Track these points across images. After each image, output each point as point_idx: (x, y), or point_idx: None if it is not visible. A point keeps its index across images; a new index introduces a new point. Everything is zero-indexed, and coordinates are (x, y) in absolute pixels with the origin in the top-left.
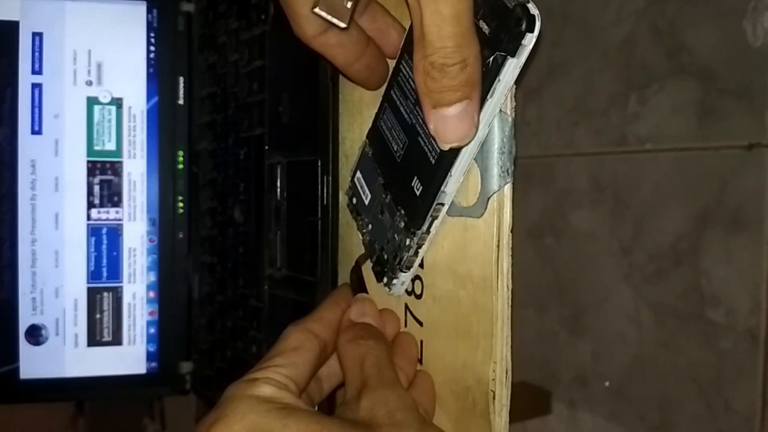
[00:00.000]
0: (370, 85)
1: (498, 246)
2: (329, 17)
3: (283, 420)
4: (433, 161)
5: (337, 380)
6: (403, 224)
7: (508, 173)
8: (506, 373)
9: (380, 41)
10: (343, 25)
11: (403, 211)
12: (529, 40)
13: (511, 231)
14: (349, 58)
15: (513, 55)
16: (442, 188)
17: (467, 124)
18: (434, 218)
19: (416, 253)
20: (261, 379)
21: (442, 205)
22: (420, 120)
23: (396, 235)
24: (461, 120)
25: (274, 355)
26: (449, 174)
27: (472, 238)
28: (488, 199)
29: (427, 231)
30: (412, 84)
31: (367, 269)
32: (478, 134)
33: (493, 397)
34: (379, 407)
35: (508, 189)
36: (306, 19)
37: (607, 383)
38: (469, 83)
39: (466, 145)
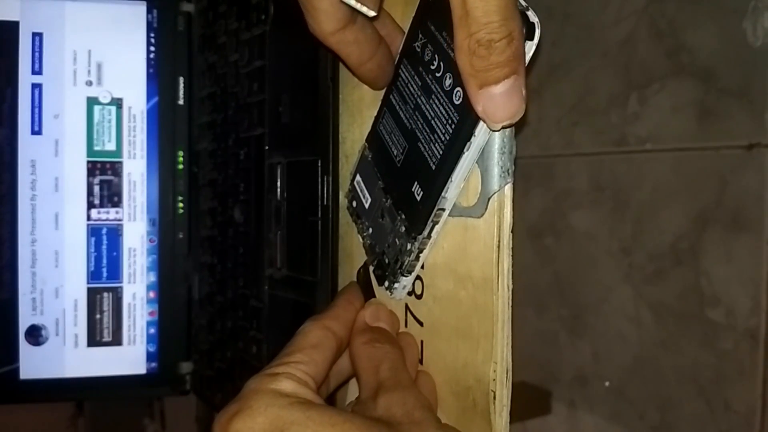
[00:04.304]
0: (378, 84)
1: (498, 246)
2: (357, 5)
3: (306, 412)
4: (434, 167)
5: (343, 378)
6: (404, 229)
7: (508, 173)
8: (506, 373)
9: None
10: (372, 13)
11: (403, 216)
12: (529, 48)
13: (512, 231)
14: (363, 57)
15: None
16: (443, 194)
17: (517, 99)
18: (435, 223)
19: (417, 258)
20: (282, 374)
21: (443, 210)
22: (419, 125)
23: (397, 240)
24: (511, 96)
25: (295, 351)
26: (450, 180)
27: (472, 238)
28: (489, 199)
29: (429, 236)
30: (411, 89)
31: None
32: (479, 138)
33: (494, 398)
34: (397, 407)
35: (508, 189)
36: (325, 13)
37: (607, 383)
38: (516, 57)
39: (517, 121)
